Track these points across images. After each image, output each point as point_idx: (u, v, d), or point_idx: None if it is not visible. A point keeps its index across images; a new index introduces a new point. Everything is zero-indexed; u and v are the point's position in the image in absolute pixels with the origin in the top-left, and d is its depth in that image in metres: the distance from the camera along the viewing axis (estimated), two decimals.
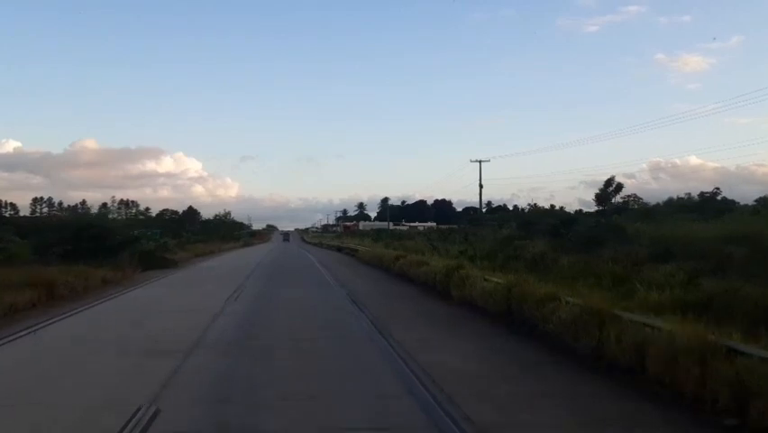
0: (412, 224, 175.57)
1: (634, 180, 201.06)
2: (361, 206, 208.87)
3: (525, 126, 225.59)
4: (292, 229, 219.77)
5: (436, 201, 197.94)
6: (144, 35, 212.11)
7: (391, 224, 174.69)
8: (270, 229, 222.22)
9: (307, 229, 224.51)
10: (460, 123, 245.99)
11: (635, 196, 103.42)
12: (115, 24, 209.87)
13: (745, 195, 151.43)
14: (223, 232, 65.65)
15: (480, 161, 63.11)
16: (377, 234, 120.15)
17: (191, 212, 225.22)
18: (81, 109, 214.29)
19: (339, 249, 52.58)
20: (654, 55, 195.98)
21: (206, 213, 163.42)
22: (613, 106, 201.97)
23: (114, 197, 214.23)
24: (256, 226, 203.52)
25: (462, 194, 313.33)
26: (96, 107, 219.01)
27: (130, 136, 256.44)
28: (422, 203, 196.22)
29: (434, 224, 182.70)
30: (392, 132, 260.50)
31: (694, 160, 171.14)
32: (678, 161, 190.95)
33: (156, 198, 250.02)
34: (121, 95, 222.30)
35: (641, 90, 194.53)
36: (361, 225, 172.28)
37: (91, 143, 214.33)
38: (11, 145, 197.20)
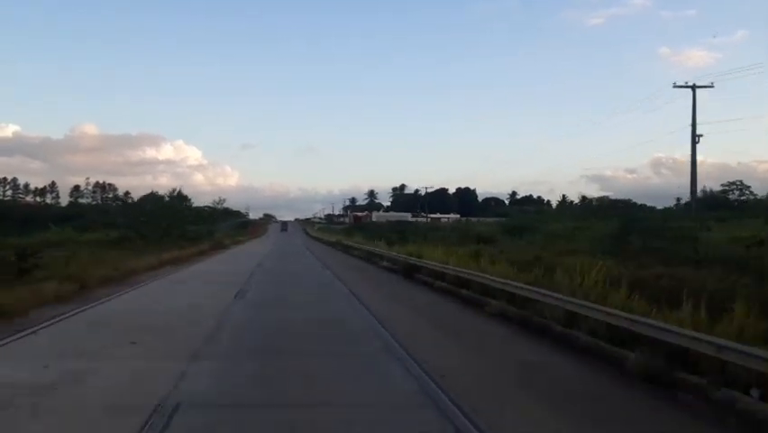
0: (432, 215, 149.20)
1: (635, 175, 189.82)
2: (371, 194, 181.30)
3: (527, 118, 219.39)
4: (292, 219, 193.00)
5: (459, 190, 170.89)
6: (147, 22, 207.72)
7: (409, 215, 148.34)
8: (268, 219, 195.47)
9: (309, 220, 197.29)
10: (461, 112, 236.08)
11: (741, 183, 75.69)
12: (119, 10, 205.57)
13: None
14: (165, 226, 35.20)
15: (693, 87, 34.19)
16: (399, 228, 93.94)
17: (180, 198, 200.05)
18: (82, 94, 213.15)
19: (409, 272, 21.77)
20: (658, 49, 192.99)
21: (204, 201, 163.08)
22: (614, 100, 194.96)
23: (88, 179, 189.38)
24: (253, 216, 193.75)
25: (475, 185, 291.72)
26: (97, 93, 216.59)
27: (131, 122, 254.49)
28: (443, 191, 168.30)
29: (458, 215, 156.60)
30: (393, 122, 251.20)
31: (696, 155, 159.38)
32: (679, 156, 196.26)
33: (155, 186, 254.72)
34: (123, 80, 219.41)
35: (643, 83, 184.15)
36: (374, 215, 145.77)
37: (91, 129, 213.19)
38: (10, 130, 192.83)
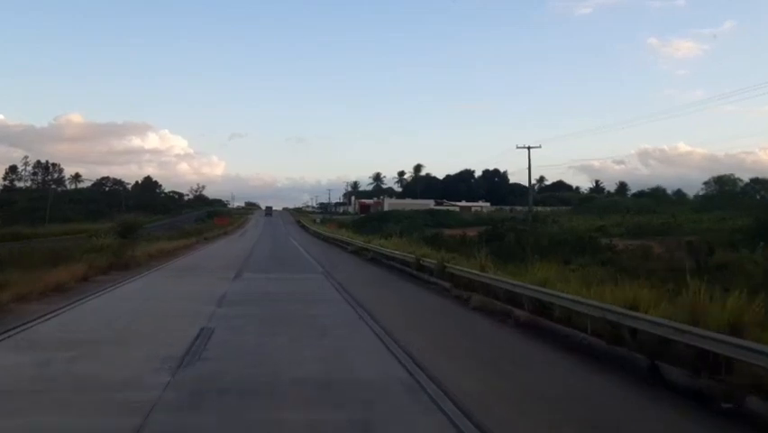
0: (457, 202, 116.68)
1: (623, 166, 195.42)
2: (377, 178, 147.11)
3: (516, 107, 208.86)
4: (280, 209, 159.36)
5: (486, 172, 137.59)
6: (136, 11, 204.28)
7: (431, 202, 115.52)
8: (250, 208, 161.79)
9: (300, 209, 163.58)
10: (443, 101, 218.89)
11: None
12: None
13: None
14: None
15: None
16: (443, 221, 64.46)
17: (147, 184, 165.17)
18: (68, 82, 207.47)
19: None
20: (647, 39, 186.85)
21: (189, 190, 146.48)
22: (602, 91, 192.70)
23: (27, 157, 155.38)
24: (238, 205, 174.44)
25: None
26: (83, 81, 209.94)
27: (117, 111, 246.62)
28: (468, 174, 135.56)
29: (488, 203, 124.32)
30: (384, 112, 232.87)
31: (683, 146, 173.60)
32: (666, 147, 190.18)
33: (141, 176, 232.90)
34: (110, 69, 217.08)
35: (631, 74, 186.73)
36: (387, 203, 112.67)
37: (76, 117, 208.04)
38: None
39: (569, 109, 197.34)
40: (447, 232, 60.28)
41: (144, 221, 52.80)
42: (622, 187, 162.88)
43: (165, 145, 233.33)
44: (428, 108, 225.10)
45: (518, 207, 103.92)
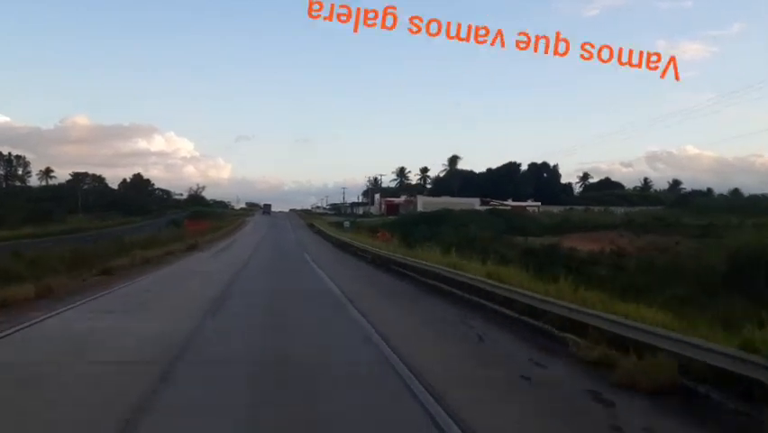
0: (505, 202, 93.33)
1: (631, 169, 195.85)
2: (401, 173, 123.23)
3: (514, 107, 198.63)
4: (287, 210, 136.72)
5: (532, 166, 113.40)
6: (141, 12, 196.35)
7: (477, 200, 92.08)
8: (251, 209, 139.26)
9: (310, 211, 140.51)
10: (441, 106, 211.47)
11: None
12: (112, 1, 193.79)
13: (744, 185, 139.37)
14: None
15: None
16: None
17: (137, 183, 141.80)
18: (73, 84, 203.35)
19: None
20: (655, 41, 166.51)
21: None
22: (610, 93, 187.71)
23: None
24: (241, 207, 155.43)
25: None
26: (88, 83, 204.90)
27: (122, 113, 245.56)
28: (513, 168, 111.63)
29: (538, 203, 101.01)
30: (391, 111, 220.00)
31: (692, 149, 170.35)
32: (674, 150, 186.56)
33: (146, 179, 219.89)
34: (115, 70, 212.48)
35: (639, 76, 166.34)
36: (420, 201, 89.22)
37: (82, 119, 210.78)
38: None
39: (572, 110, 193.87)
40: (564, 244, 37.29)
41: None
42: (675, 184, 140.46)
43: (171, 148, 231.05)
44: (430, 108, 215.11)
45: (595, 208, 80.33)
